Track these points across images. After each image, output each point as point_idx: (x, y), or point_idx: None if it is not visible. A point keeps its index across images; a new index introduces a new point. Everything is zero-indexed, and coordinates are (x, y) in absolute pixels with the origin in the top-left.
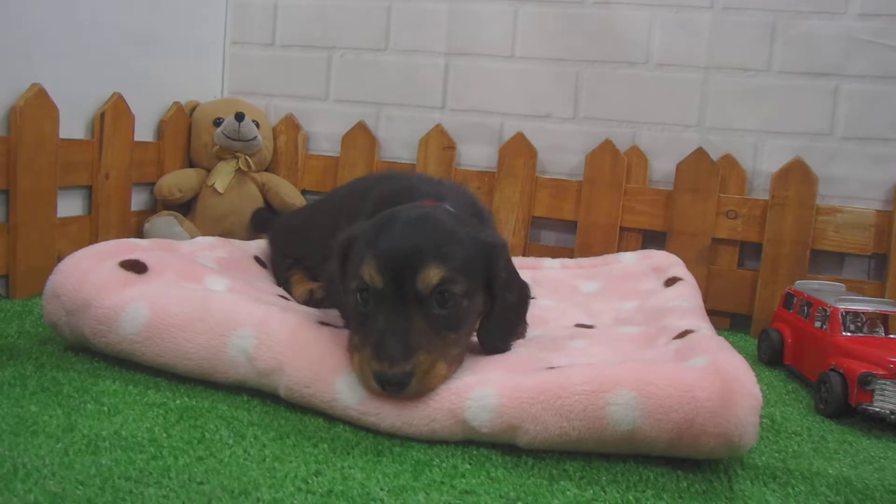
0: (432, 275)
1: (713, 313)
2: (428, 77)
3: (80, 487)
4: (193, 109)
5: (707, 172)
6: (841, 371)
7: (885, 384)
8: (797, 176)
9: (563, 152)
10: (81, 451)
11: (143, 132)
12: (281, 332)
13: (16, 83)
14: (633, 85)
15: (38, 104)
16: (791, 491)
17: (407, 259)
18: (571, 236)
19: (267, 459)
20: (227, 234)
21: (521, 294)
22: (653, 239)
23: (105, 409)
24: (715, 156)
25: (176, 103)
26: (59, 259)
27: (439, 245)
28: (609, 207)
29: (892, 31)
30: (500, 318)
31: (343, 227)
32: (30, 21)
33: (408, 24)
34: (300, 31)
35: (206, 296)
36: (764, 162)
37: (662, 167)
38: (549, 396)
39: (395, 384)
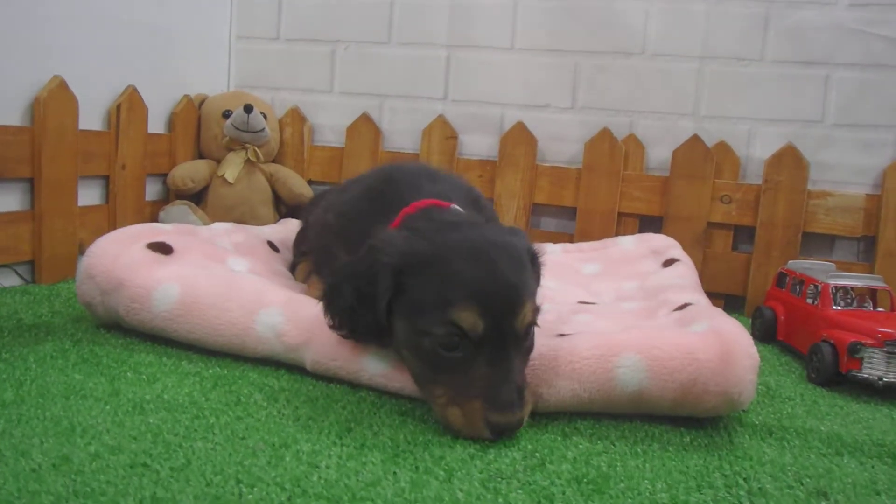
0: (528, 315)
1: (708, 295)
2: (430, 69)
3: (134, 442)
4: (202, 102)
5: (702, 159)
6: (832, 341)
7: (873, 352)
8: (789, 162)
9: (562, 141)
10: (129, 412)
11: (155, 125)
12: (306, 311)
13: (36, 76)
14: (630, 75)
15: (60, 95)
16: (787, 444)
17: (506, 301)
18: (571, 222)
19: (301, 419)
20: (238, 223)
21: None
22: (649, 224)
23: (144, 377)
24: (710, 143)
25: (186, 96)
26: (82, 247)
27: (522, 277)
28: (607, 194)
29: (881, 21)
30: None
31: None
32: (47, 15)
33: (410, 17)
34: (304, 25)
35: (232, 277)
36: (757, 148)
37: (659, 154)
38: (561, 362)
39: (514, 430)
